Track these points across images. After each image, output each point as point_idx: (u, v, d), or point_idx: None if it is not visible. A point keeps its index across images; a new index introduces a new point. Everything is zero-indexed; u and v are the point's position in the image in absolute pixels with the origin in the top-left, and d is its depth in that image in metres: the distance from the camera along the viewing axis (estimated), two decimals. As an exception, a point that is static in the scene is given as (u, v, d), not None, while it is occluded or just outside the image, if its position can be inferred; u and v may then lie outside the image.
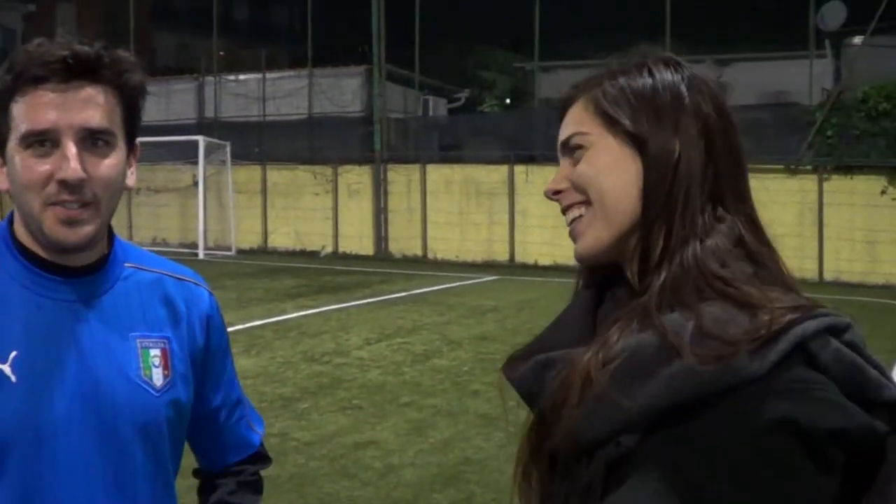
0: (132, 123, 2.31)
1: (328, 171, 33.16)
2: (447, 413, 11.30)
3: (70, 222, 2.18)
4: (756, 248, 1.83)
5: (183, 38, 52.04)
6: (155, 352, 2.37)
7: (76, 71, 2.17)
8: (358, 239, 32.68)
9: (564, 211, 1.94)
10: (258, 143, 34.39)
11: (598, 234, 1.87)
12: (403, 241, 32.05)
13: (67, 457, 2.23)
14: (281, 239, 34.13)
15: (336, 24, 41.64)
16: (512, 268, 28.97)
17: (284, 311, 19.48)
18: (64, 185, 2.15)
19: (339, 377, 13.26)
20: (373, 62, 33.28)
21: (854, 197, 25.98)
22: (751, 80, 34.84)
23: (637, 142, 1.84)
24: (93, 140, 2.20)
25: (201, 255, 30.05)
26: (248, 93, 35.87)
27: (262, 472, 2.84)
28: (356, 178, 32.80)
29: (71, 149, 2.16)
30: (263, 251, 33.90)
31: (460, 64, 50.71)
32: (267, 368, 13.54)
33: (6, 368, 2.17)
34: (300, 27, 39.63)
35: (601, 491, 1.72)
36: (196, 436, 2.71)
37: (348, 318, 18.72)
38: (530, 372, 1.88)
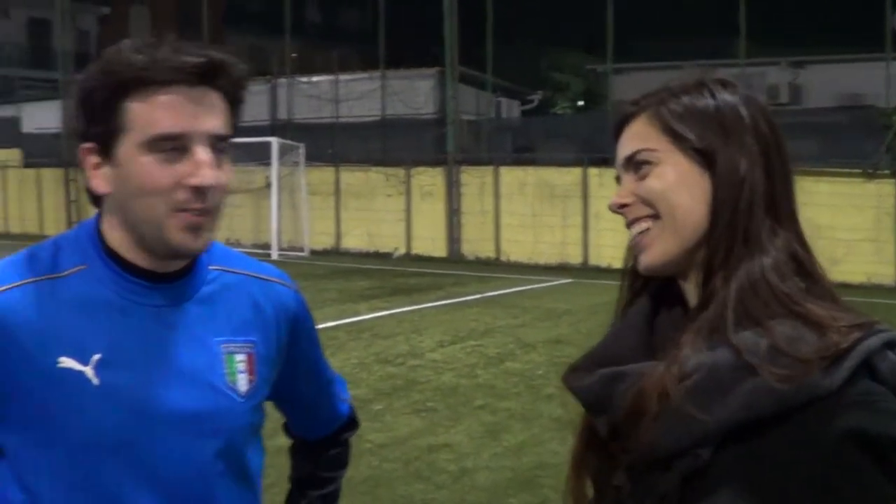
0: (234, 129, 2.30)
1: (401, 172, 33.16)
2: (521, 416, 11.28)
3: (195, 229, 2.18)
4: (808, 264, 1.91)
5: (255, 40, 52.54)
6: (240, 357, 2.34)
7: (204, 76, 2.15)
8: (430, 241, 32.65)
9: (630, 224, 1.99)
10: (331, 144, 34.47)
11: (666, 248, 1.93)
12: (476, 243, 31.96)
13: (148, 462, 2.21)
14: (354, 240, 34.19)
15: (408, 25, 41.82)
16: (585, 271, 28.81)
17: (358, 313, 19.54)
18: (197, 191, 2.14)
19: (413, 379, 13.29)
20: (445, 64, 33.24)
21: (932, 201, 25.63)
22: (826, 83, 34.63)
23: (705, 158, 1.91)
24: (215, 147, 2.19)
25: (274, 256, 30.14)
26: (321, 94, 35.97)
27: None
28: (429, 179, 32.77)
29: (204, 155, 2.14)
30: (336, 252, 33.96)
31: (533, 66, 50.80)
32: (341, 370, 13.37)
33: (88, 371, 2.15)
34: (372, 29, 39.79)
35: (677, 500, 1.80)
36: (288, 413, 2.78)
37: (421, 320, 18.74)
38: (597, 384, 1.94)
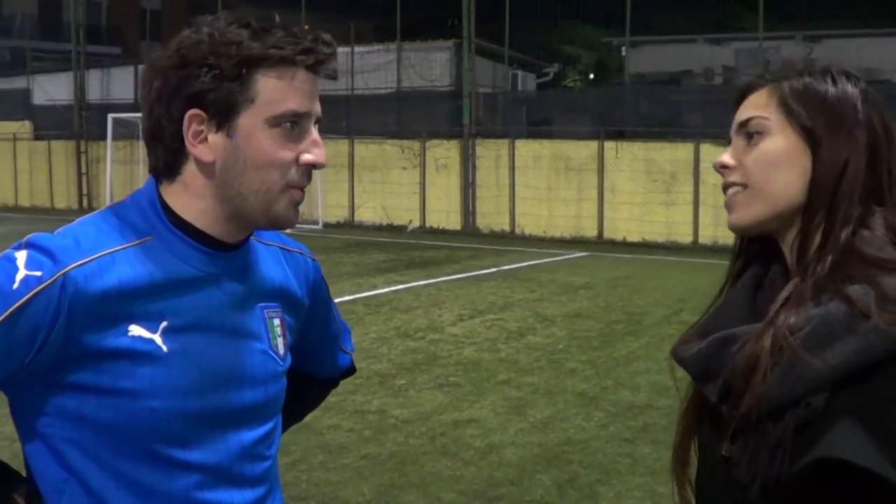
0: None
1: (416, 145, 33.21)
2: (545, 391, 11.24)
3: (297, 205, 2.31)
4: None
5: (269, 11, 52.13)
6: (277, 321, 2.44)
7: (322, 64, 2.26)
8: (445, 214, 32.68)
9: (726, 187, 2.12)
10: (346, 116, 34.39)
11: (754, 210, 2.07)
12: (491, 217, 31.97)
13: (211, 423, 2.27)
14: (368, 213, 34.25)
15: (424, -3, 41.64)
16: (600, 244, 28.79)
17: (375, 287, 19.54)
18: (311, 168, 2.27)
19: (435, 354, 13.27)
20: (462, 36, 33.13)
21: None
22: (842, 58, 34.44)
23: (811, 139, 2.03)
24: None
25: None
26: (336, 66, 35.83)
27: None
28: (444, 152, 32.80)
29: (317, 136, 2.26)
30: (350, 225, 34.08)
31: (549, 39, 50.73)
32: (360, 344, 13.46)
33: (157, 338, 2.19)
34: (388, 0, 39.68)
35: (790, 451, 1.87)
36: (294, 358, 2.76)
37: (439, 294, 18.75)
38: (707, 349, 2.04)
